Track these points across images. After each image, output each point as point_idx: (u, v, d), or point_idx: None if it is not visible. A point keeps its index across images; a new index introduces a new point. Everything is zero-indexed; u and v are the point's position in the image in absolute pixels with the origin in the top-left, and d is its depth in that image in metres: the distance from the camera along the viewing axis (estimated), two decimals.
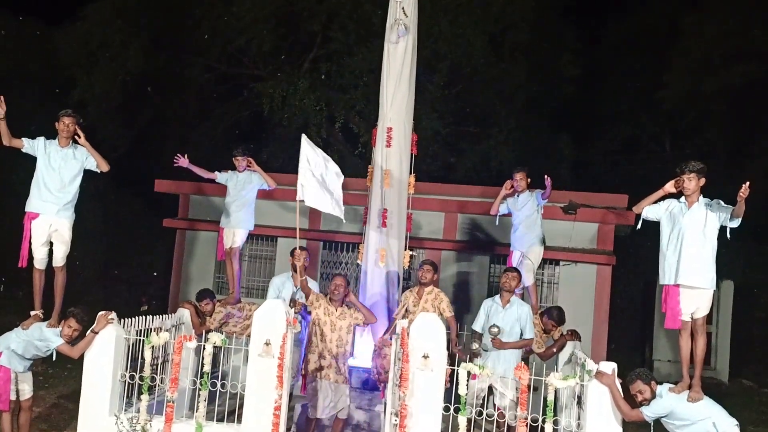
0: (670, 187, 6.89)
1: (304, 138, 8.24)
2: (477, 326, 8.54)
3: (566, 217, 13.07)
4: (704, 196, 6.81)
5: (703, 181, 6.74)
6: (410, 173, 9.96)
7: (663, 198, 6.99)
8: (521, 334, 8.29)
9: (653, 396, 6.60)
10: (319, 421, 8.19)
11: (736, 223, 6.56)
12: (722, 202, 6.66)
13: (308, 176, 8.04)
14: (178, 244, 15.32)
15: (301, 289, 8.45)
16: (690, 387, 6.63)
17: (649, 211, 7.03)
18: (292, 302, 8.40)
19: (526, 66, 21.67)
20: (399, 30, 9.75)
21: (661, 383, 6.80)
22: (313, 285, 9.18)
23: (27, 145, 7.82)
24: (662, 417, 6.59)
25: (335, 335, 8.06)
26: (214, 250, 13.60)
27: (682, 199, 6.84)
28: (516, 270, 8.81)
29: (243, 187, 10.04)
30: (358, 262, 10.21)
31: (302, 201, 7.98)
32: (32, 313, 7.78)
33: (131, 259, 20.22)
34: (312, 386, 8.06)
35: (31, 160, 8.01)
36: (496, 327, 8.14)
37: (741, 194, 6.29)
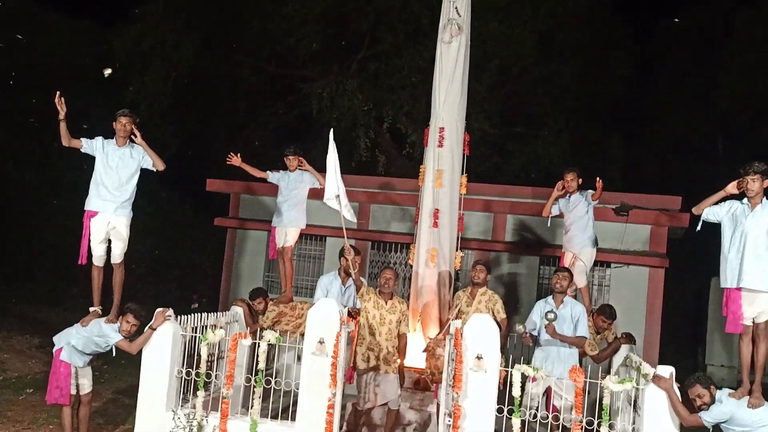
0: (732, 188, 6.74)
1: (331, 136, 8.64)
2: (528, 326, 8.44)
3: (618, 218, 12.93)
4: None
5: (767, 182, 6.59)
6: (462, 173, 9.92)
7: (724, 199, 6.84)
8: (575, 334, 8.17)
9: (712, 401, 6.47)
10: (367, 412, 8.24)
11: None
12: None
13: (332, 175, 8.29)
14: (228, 242, 15.49)
15: (354, 282, 8.54)
16: (750, 393, 6.50)
17: (710, 212, 6.88)
18: (350, 314, 8.46)
19: (576, 65, 21.46)
20: (452, 29, 9.74)
21: (720, 388, 6.68)
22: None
23: (86, 145, 7.97)
24: (722, 422, 6.47)
25: (384, 328, 8.14)
26: (264, 249, 13.74)
27: (745, 200, 6.69)
28: (567, 270, 8.69)
29: (294, 186, 10.09)
30: (410, 262, 10.21)
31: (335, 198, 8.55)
32: (91, 309, 7.93)
33: (182, 257, 20.52)
34: (360, 378, 8.12)
35: (86, 161, 8.17)
36: (552, 312, 8.04)
37: None
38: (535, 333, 8.34)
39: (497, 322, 8.58)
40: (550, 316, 8.01)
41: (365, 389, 8.13)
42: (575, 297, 9.21)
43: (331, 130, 8.89)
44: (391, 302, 8.30)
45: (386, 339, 8.15)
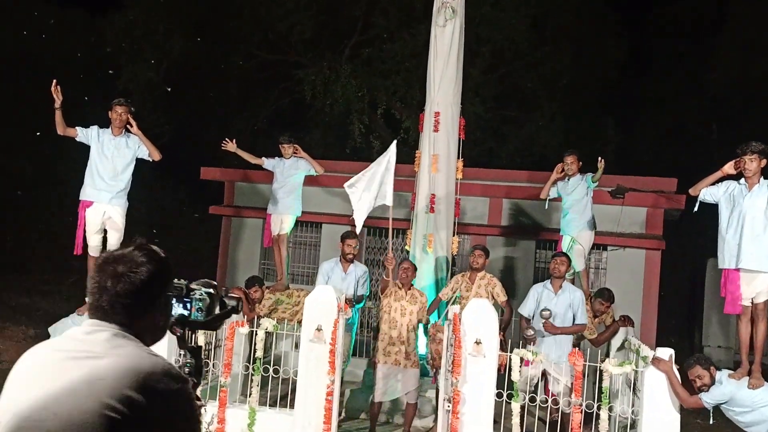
0: (729, 168, 6.70)
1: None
2: (525, 311, 8.35)
3: (614, 201, 12.90)
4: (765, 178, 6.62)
5: (764, 162, 6.54)
6: (458, 158, 9.88)
7: (721, 179, 6.81)
8: (573, 320, 8.14)
9: (712, 382, 6.46)
10: (383, 404, 8.23)
11: None
12: None
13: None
14: (224, 230, 15.44)
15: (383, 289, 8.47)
16: (750, 373, 6.50)
17: (707, 193, 6.84)
18: (348, 301, 8.45)
19: (570, 49, 21.38)
20: (446, 13, 9.68)
21: (719, 369, 6.67)
22: (360, 269, 9.26)
23: (81, 134, 7.92)
24: (722, 403, 6.46)
25: (405, 319, 8.10)
26: (260, 236, 13.67)
27: (742, 180, 6.64)
28: (564, 254, 8.63)
29: (290, 174, 10.04)
30: (406, 248, 10.18)
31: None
32: (87, 299, 7.87)
33: (177, 246, 20.43)
34: (379, 370, 8.10)
35: (82, 150, 8.10)
36: (547, 310, 7.99)
37: None
38: (529, 317, 8.30)
39: (500, 305, 8.61)
40: (545, 313, 7.94)
41: (384, 382, 8.11)
42: (573, 281, 9.20)
43: (394, 142, 8.82)
44: (410, 292, 8.26)
45: (407, 330, 8.11)
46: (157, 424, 2.00)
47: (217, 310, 2.40)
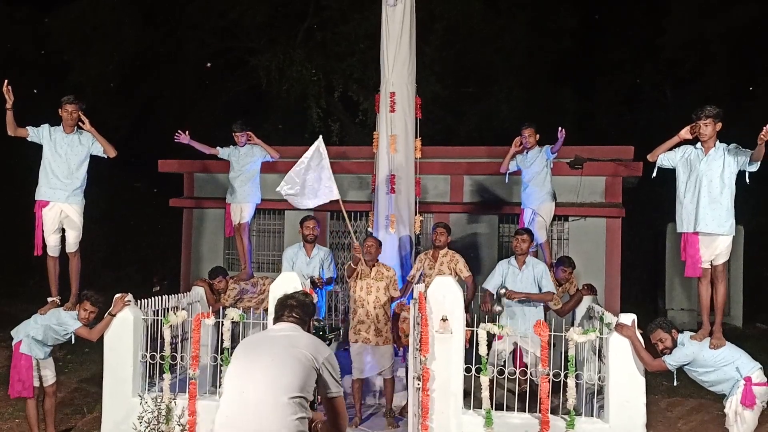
0: (685, 133, 6.76)
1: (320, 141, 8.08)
2: (490, 286, 8.41)
3: (573, 172, 13.01)
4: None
5: (719, 125, 6.60)
6: (416, 137, 9.88)
7: (678, 144, 6.89)
8: (540, 291, 8.22)
9: (674, 344, 6.58)
10: (362, 382, 8.25)
11: (755, 167, 6.42)
12: (740, 146, 6.54)
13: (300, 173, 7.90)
14: (185, 223, 15.30)
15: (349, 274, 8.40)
16: (711, 334, 6.61)
17: (665, 158, 6.90)
18: (313, 283, 8.44)
19: (524, 21, 21.42)
20: None
21: (681, 331, 6.79)
22: (324, 251, 9.28)
23: (32, 134, 7.77)
24: (685, 365, 6.58)
25: (372, 297, 8.10)
26: (222, 227, 13.58)
27: (699, 145, 6.70)
28: (527, 231, 8.66)
29: (246, 162, 9.94)
30: (369, 229, 10.17)
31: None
32: (49, 299, 7.79)
33: (140, 240, 20.23)
34: (352, 349, 8.12)
35: (36, 149, 7.96)
36: (503, 288, 8.10)
37: (762, 136, 6.08)
38: (494, 292, 8.36)
39: (463, 281, 8.65)
40: (501, 291, 8.07)
41: (358, 360, 8.13)
42: (536, 254, 9.26)
43: (320, 137, 8.25)
44: (376, 269, 8.23)
45: (374, 307, 8.09)
46: (325, 367, 3.87)
47: (328, 332, 4.52)
